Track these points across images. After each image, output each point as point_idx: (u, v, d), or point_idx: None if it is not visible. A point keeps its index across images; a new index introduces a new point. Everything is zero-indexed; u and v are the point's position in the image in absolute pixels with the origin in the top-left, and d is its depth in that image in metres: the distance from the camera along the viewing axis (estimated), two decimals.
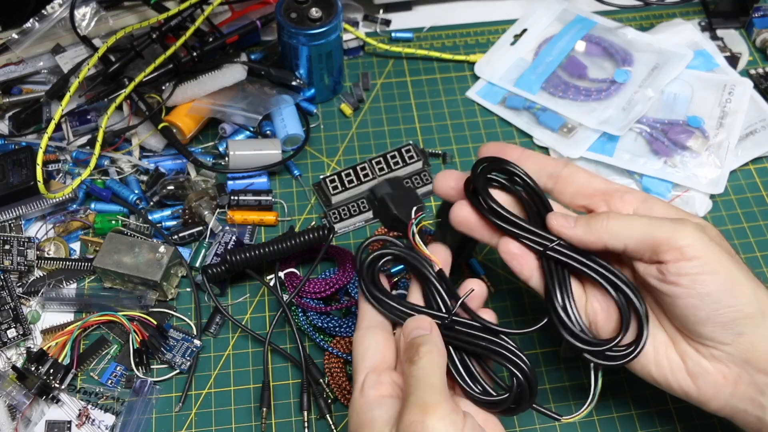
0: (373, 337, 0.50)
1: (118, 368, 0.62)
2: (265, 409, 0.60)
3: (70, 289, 0.67)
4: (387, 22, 0.87)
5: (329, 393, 0.61)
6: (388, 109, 0.80)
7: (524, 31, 0.84)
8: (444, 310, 0.51)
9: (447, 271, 0.53)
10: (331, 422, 0.59)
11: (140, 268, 0.63)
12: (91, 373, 0.62)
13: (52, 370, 0.60)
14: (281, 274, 0.65)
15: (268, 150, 0.73)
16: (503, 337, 0.50)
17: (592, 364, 0.50)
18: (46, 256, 0.68)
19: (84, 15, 0.78)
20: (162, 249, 0.64)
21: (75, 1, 0.76)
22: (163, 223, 0.70)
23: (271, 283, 0.66)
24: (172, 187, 0.70)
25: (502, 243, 0.52)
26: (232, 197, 0.70)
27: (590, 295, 0.52)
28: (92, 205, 0.71)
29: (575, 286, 0.52)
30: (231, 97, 0.75)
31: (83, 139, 0.74)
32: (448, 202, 0.55)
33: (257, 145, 0.73)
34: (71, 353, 0.62)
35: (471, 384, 0.49)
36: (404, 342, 0.49)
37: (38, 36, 0.78)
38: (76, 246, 0.70)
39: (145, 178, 0.73)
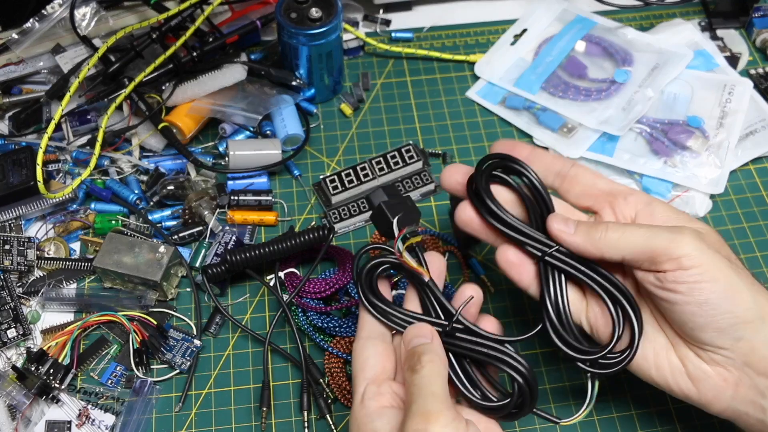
0: (372, 348, 0.50)
1: (118, 368, 0.62)
2: (265, 409, 0.60)
3: (70, 289, 0.67)
4: (387, 22, 0.87)
5: (329, 393, 0.61)
6: (388, 109, 0.80)
7: (524, 31, 0.84)
8: (443, 317, 0.51)
9: (441, 280, 0.53)
10: (331, 422, 0.59)
11: (140, 268, 0.63)
12: (91, 373, 0.62)
13: (52, 370, 0.60)
14: (281, 274, 0.65)
15: (268, 150, 0.73)
16: (503, 343, 0.50)
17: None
18: (46, 256, 0.68)
19: (84, 15, 0.78)
20: (162, 249, 0.64)
21: (75, 1, 0.76)
22: (163, 223, 0.70)
23: (271, 283, 0.66)
24: (172, 187, 0.70)
25: (499, 252, 0.52)
26: (232, 197, 0.70)
27: (590, 300, 0.52)
28: (92, 205, 0.71)
29: (576, 290, 0.52)
30: (231, 97, 0.75)
31: (83, 139, 0.74)
32: (456, 197, 0.55)
33: (257, 145, 0.73)
34: (71, 353, 0.62)
35: (471, 390, 0.49)
36: (405, 350, 0.49)
37: (38, 36, 0.78)
38: (76, 246, 0.70)
39: (145, 178, 0.73)
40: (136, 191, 0.72)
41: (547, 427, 0.60)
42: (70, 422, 0.60)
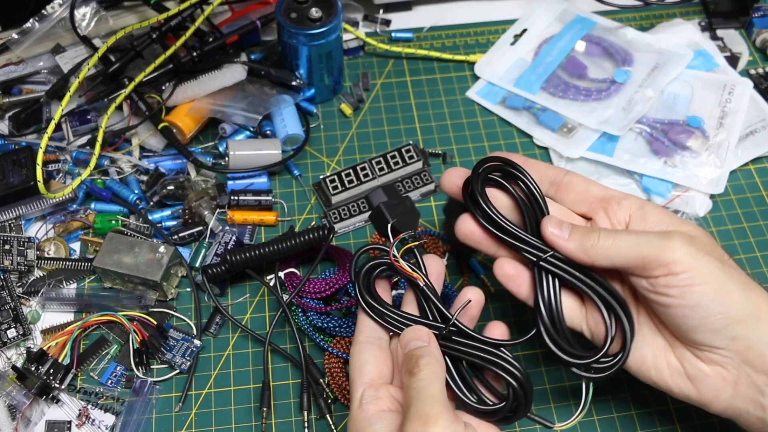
0: (370, 352, 0.50)
1: (118, 368, 0.62)
2: (265, 409, 0.60)
3: (70, 289, 0.67)
4: (387, 22, 0.87)
5: (329, 393, 0.61)
6: (388, 109, 0.80)
7: (524, 31, 0.84)
8: (440, 320, 0.51)
9: (440, 283, 0.53)
10: (331, 422, 0.59)
11: (140, 268, 0.63)
12: (91, 373, 0.62)
13: (52, 370, 0.60)
14: (281, 274, 0.65)
15: (268, 150, 0.73)
16: (500, 347, 0.50)
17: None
18: (46, 256, 0.68)
19: (84, 15, 0.78)
20: (162, 249, 0.64)
21: (75, 1, 0.76)
22: (163, 223, 0.70)
23: (271, 283, 0.66)
24: (172, 187, 0.70)
25: (497, 266, 0.52)
26: (232, 197, 0.70)
27: (589, 307, 0.52)
28: (92, 205, 0.71)
29: (575, 298, 0.53)
30: (231, 97, 0.75)
31: (83, 139, 0.74)
32: (453, 199, 0.55)
33: (257, 145, 0.73)
34: (71, 353, 0.62)
35: (467, 393, 0.49)
36: (402, 353, 0.49)
37: (38, 36, 0.78)
38: (76, 246, 0.70)
39: (145, 178, 0.73)
40: (136, 191, 0.72)
41: (547, 428, 0.60)
42: (70, 422, 0.60)
